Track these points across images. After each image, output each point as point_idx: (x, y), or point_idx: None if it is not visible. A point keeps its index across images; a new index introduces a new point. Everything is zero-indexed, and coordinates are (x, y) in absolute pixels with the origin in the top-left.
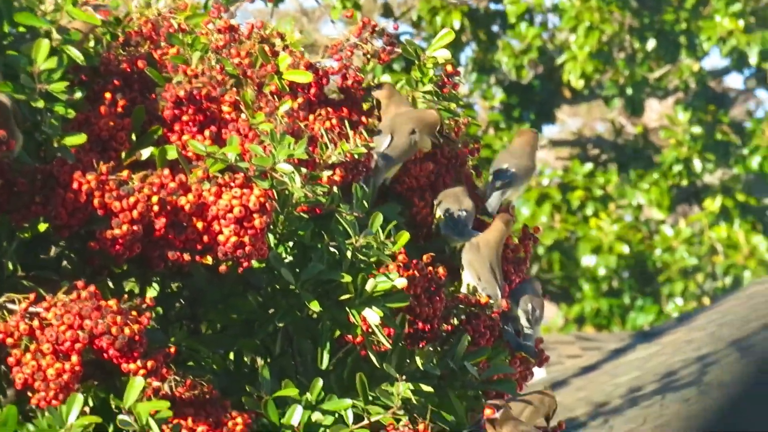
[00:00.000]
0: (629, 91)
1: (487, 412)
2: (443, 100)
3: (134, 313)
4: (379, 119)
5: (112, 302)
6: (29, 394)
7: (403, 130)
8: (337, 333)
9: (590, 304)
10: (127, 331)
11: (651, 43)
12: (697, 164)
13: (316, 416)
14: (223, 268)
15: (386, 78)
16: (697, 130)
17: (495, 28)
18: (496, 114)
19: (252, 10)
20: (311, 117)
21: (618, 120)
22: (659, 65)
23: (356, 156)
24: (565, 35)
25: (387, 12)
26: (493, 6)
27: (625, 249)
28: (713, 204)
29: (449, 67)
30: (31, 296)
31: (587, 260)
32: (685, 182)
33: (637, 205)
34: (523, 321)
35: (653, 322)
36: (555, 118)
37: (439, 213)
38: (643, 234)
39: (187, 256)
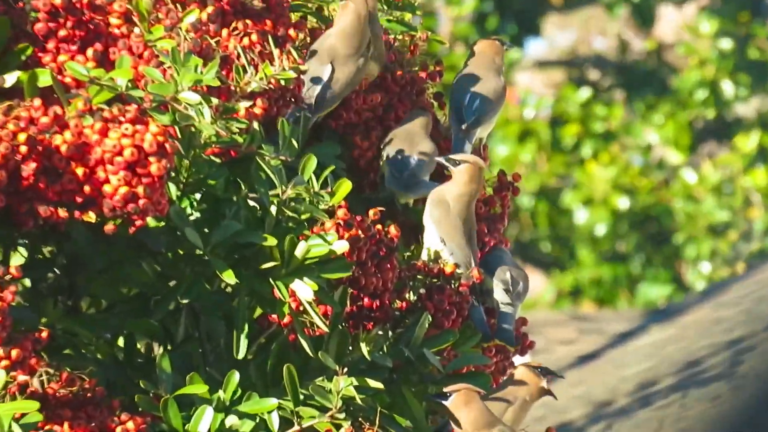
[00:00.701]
0: None
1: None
2: (394, 9)
3: None
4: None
5: None
6: None
7: (346, 55)
8: (259, 312)
9: (588, 273)
10: None
11: None
12: (727, 89)
13: (231, 420)
14: (109, 227)
15: None
16: (726, 45)
17: None
18: (464, 26)
19: None
20: (224, 32)
21: (623, 33)
22: None
23: (283, 82)
24: None
25: None
26: None
27: (624, 202)
28: (747, 142)
29: None
30: None
31: (580, 215)
32: (710, 114)
33: (648, 145)
34: (500, 296)
35: (670, 296)
36: (541, 31)
37: (385, 158)
38: (655, 181)
39: (63, 212)
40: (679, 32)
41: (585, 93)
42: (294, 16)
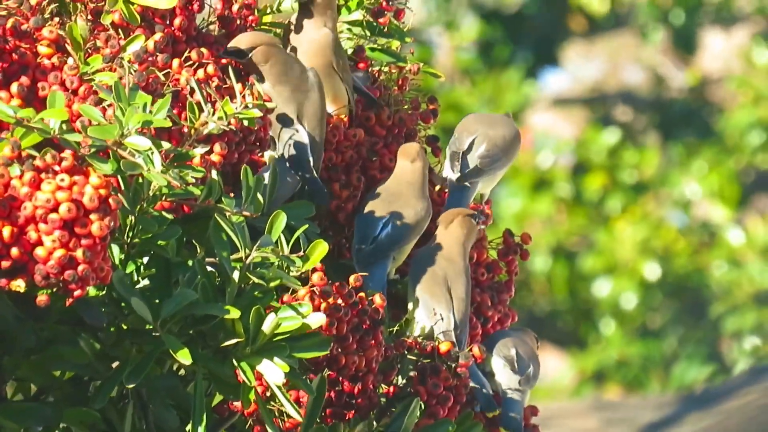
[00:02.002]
0: (678, 16)
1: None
2: (380, 35)
3: None
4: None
5: None
6: None
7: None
8: (218, 398)
9: (614, 352)
10: None
11: None
12: None
13: None
14: (42, 298)
15: (291, 1)
16: None
17: None
18: (467, 57)
19: None
20: (175, 62)
21: (660, 64)
22: None
23: (246, 123)
24: None
25: None
26: None
27: (654, 269)
28: None
29: None
30: None
31: (602, 285)
32: (764, 161)
33: (687, 199)
34: (504, 377)
35: (710, 378)
36: (561, 62)
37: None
38: (695, 242)
39: None
40: (728, 62)
41: (613, 136)
42: None
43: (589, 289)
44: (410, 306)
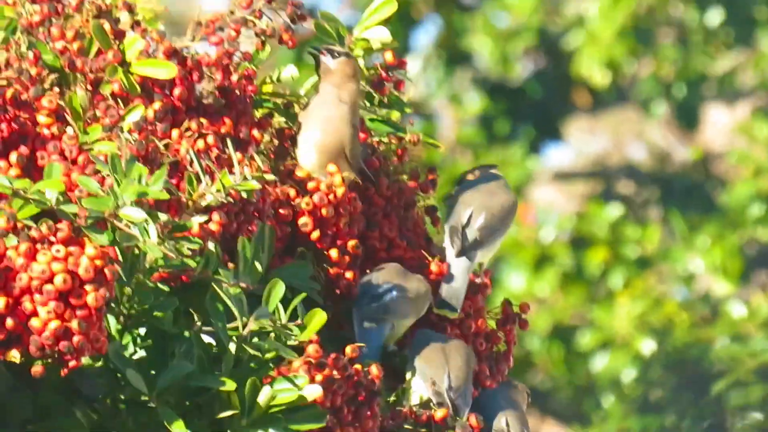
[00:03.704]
0: (680, 91)
1: None
2: (380, 106)
3: None
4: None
5: None
6: None
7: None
8: None
9: (614, 426)
10: None
11: (714, 15)
12: None
13: None
14: (37, 368)
15: (291, 70)
16: None
17: None
18: (470, 130)
19: None
20: (175, 132)
21: (662, 139)
22: (727, 50)
23: (244, 194)
24: (579, 4)
25: None
26: None
27: (649, 344)
28: None
29: (389, 56)
30: None
31: (598, 360)
32: (766, 235)
33: (690, 273)
34: None
35: None
36: (564, 136)
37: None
38: (696, 316)
39: None
40: (730, 137)
41: (615, 210)
42: (258, 113)
43: (587, 364)
44: (408, 375)
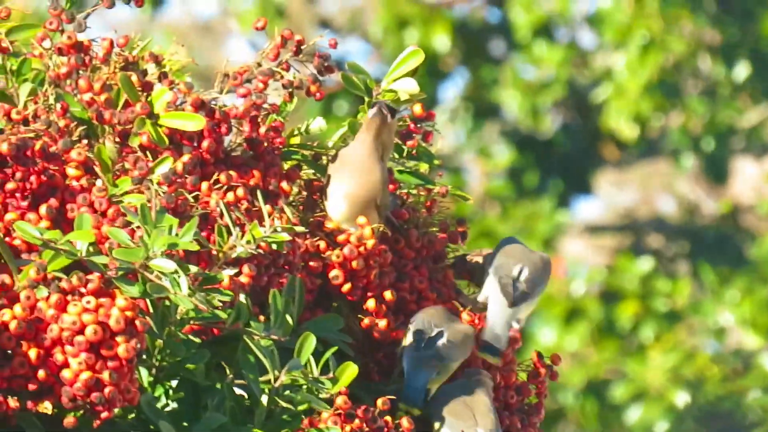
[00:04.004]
0: (708, 144)
1: None
2: (408, 158)
3: None
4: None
5: None
6: None
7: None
8: None
9: None
10: None
11: (741, 70)
12: None
13: None
14: (69, 420)
15: (319, 122)
16: None
17: (497, 47)
18: (499, 183)
19: (122, 22)
20: (204, 185)
21: (691, 191)
22: (755, 104)
23: (274, 246)
24: (607, 58)
25: (326, 22)
26: (492, 14)
27: (683, 396)
28: None
29: (417, 108)
30: None
31: (632, 413)
32: None
33: (720, 327)
34: None
35: None
36: (593, 190)
37: (409, 340)
38: (727, 369)
39: (13, 402)
40: (759, 190)
41: (646, 264)
42: (286, 165)
43: (621, 416)
44: (436, 425)
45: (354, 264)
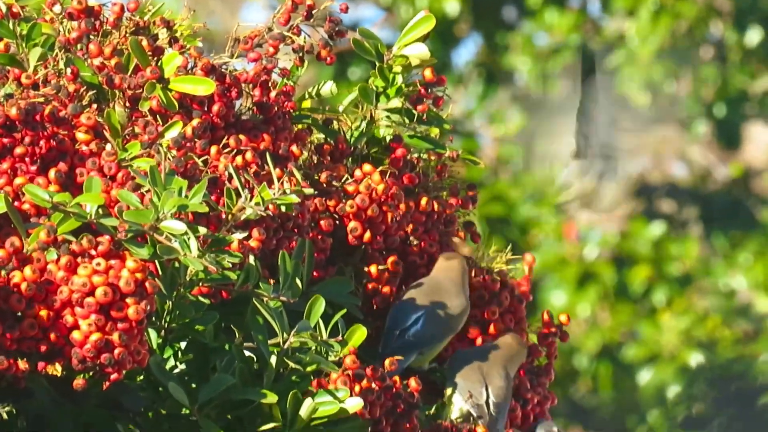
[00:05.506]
0: (720, 110)
1: None
2: (419, 123)
3: None
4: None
5: None
6: None
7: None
8: None
9: None
10: None
11: (753, 35)
12: None
13: None
14: (79, 382)
15: (330, 86)
16: None
17: (508, 13)
18: (510, 147)
19: None
20: (213, 149)
21: (703, 157)
22: (766, 69)
23: (284, 209)
24: (618, 24)
25: None
26: None
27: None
28: None
29: (428, 73)
30: None
31: (644, 374)
32: None
33: (732, 290)
34: None
35: None
36: None
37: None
38: (739, 332)
39: (23, 364)
40: None
41: (656, 228)
42: (297, 128)
43: (633, 379)
44: (447, 391)
45: (369, 212)
